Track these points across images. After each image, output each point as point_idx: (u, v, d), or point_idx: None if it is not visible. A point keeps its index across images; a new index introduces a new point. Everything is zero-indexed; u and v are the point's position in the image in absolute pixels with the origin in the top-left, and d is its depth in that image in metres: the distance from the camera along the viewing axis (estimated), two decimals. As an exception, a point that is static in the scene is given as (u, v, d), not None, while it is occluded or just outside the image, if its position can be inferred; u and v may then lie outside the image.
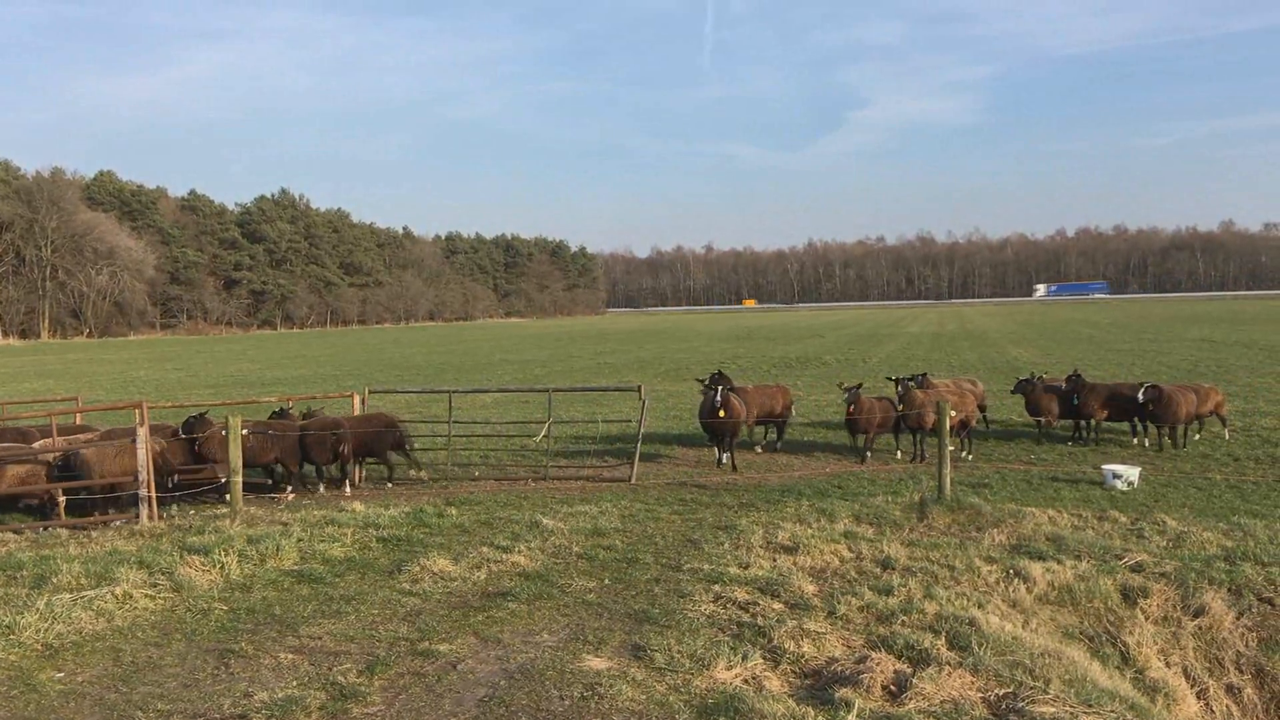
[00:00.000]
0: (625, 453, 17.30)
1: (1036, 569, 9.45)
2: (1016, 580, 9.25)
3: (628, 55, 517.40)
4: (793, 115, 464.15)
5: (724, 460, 16.53)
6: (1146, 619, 8.92)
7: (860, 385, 17.23)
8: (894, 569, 9.53)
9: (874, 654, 7.14)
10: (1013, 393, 19.87)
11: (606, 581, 9.39)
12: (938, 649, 7.21)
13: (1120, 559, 9.99)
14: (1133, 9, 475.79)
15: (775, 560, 9.90)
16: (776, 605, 8.45)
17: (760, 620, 8.06)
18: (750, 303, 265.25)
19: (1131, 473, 14.06)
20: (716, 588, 8.96)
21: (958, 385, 18.96)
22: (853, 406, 16.54)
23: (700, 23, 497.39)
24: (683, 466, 16.56)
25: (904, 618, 7.98)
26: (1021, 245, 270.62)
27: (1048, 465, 16.03)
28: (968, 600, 8.53)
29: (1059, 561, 9.79)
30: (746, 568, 9.60)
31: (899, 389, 17.11)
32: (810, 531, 10.97)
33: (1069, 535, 10.87)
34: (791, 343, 58.78)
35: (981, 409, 19.10)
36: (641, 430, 16.12)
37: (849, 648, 7.46)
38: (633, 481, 15.14)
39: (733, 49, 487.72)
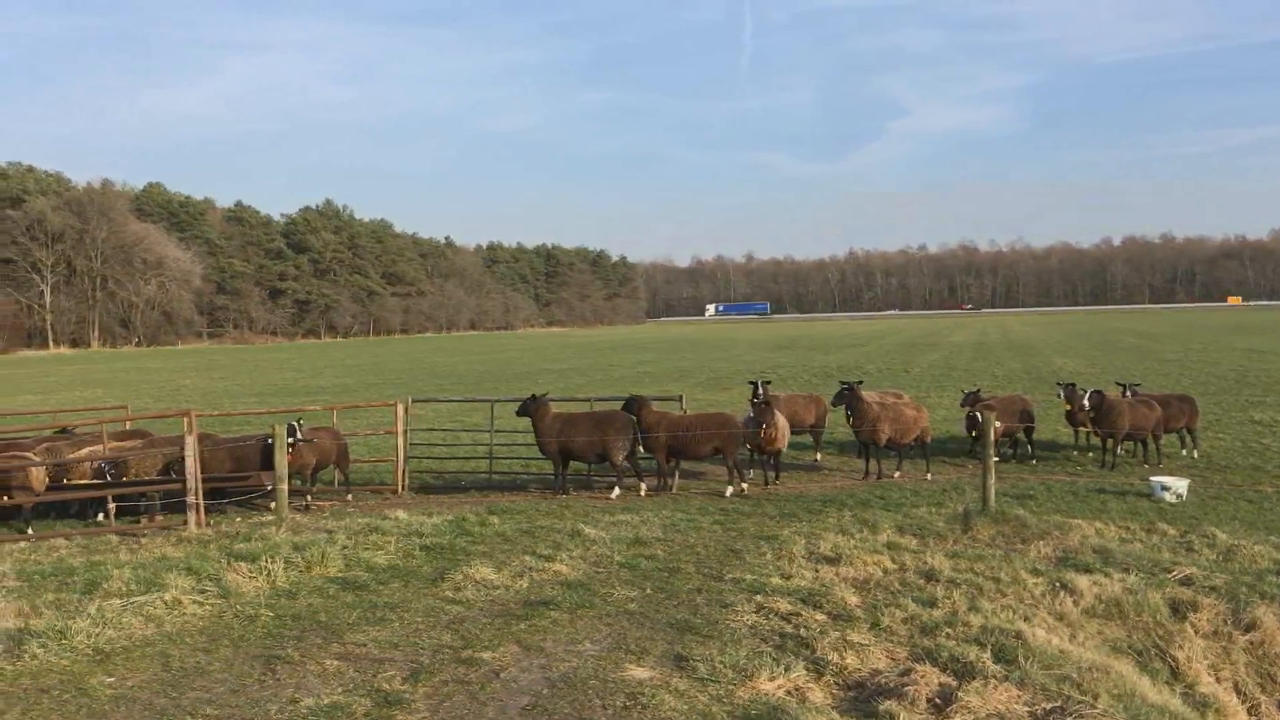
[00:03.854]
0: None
1: (1083, 582, 9.33)
2: (1063, 593, 9.14)
3: (664, 66, 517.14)
4: (832, 125, 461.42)
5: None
6: (1196, 633, 8.76)
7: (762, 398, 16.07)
8: (938, 581, 9.45)
9: (918, 666, 7.08)
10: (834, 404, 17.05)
11: (648, 591, 9.40)
12: (983, 662, 7.14)
13: (1169, 572, 9.83)
14: (1175, 15, 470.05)
15: (817, 571, 9.86)
16: (819, 616, 8.42)
17: (803, 631, 8.04)
18: (1235, 300, 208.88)
19: (1180, 485, 13.85)
20: (759, 598, 8.94)
21: (881, 398, 17.42)
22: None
23: (738, 32, 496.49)
24: (724, 476, 16.49)
25: (948, 630, 7.92)
26: (1066, 254, 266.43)
27: (1094, 476, 15.82)
28: (1013, 613, 8.44)
29: (1106, 574, 9.66)
30: (789, 578, 9.57)
31: (753, 397, 15.97)
32: (853, 542, 10.92)
33: (1116, 548, 10.72)
34: (832, 352, 58.48)
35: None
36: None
37: (893, 660, 7.41)
38: (674, 490, 15.13)
39: (771, 58, 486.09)
